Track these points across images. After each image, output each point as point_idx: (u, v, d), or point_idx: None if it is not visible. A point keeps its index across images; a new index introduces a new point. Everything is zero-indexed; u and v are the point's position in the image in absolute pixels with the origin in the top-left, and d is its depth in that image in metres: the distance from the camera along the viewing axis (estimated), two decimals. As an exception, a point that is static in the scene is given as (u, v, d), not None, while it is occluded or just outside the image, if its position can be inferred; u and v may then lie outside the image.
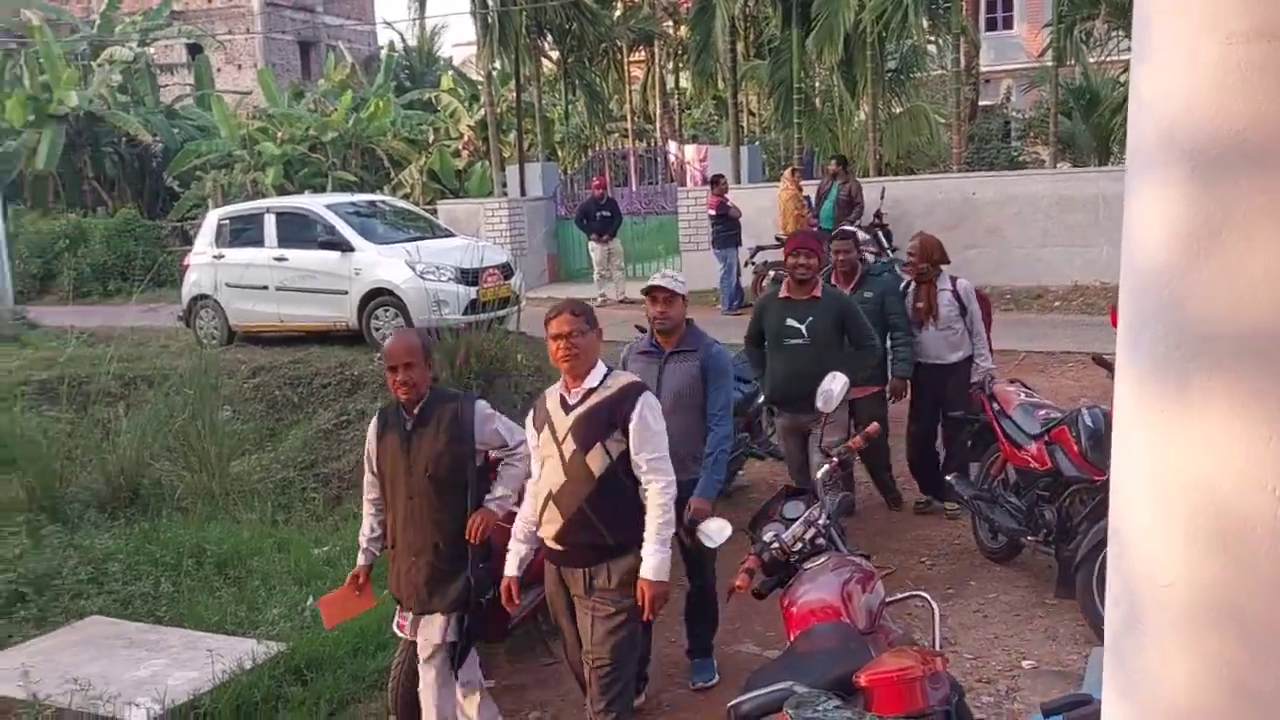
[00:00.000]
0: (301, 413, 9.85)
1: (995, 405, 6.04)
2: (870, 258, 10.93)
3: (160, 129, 27.65)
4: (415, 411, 4.11)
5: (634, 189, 20.28)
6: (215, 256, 12.63)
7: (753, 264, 14.45)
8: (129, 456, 8.30)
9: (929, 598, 3.67)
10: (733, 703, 2.94)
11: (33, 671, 4.93)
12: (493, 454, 4.30)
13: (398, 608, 4.36)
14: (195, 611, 5.92)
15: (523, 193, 19.28)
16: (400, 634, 4.37)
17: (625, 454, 3.81)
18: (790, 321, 6.03)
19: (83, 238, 21.34)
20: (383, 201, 14.52)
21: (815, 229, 14.24)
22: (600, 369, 3.93)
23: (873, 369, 6.43)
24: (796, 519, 3.92)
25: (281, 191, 23.99)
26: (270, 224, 12.34)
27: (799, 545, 3.82)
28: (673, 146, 21.30)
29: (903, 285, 7.01)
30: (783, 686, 2.80)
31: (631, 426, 3.79)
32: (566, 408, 3.87)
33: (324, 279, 11.72)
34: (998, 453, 6.07)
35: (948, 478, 6.35)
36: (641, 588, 3.76)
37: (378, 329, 11.46)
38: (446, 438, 4.06)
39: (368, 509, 4.38)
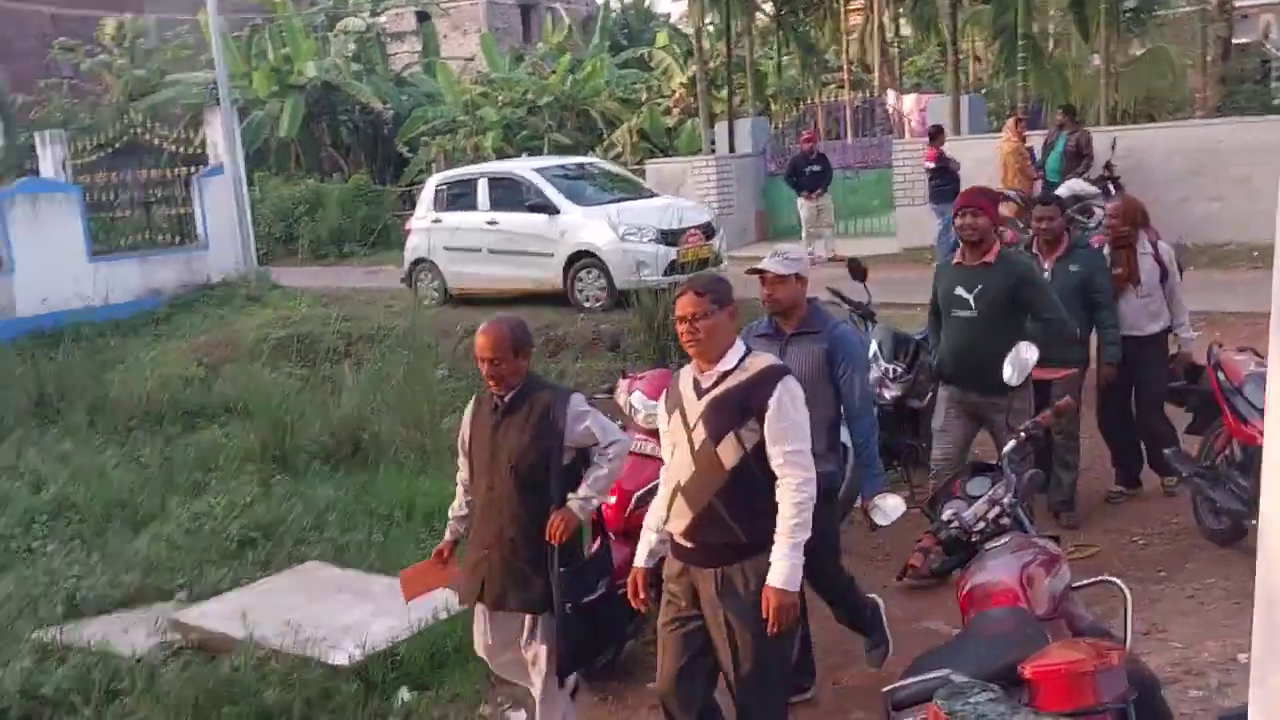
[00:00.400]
0: (509, 371, 10.16)
1: (1221, 375, 5.55)
2: (1098, 209, 10.00)
3: (390, 96, 29.01)
4: (506, 400, 3.93)
5: (848, 142, 19.77)
6: (434, 221, 13.21)
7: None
8: (351, 411, 8.83)
9: (1120, 584, 3.42)
10: (888, 688, 2.85)
11: (252, 612, 5.34)
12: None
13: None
14: (402, 561, 6.24)
15: (731, 149, 19.15)
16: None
17: (761, 445, 3.43)
18: (959, 290, 5.42)
19: (319, 202, 22.73)
20: (591, 164, 14.78)
21: (1040, 180, 13.52)
22: (737, 349, 3.55)
23: (1068, 349, 5.80)
24: (980, 497, 3.73)
25: (501, 155, 24.76)
26: (483, 188, 12.79)
27: (981, 525, 3.64)
28: (891, 97, 20.62)
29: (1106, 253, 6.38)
30: (940, 675, 2.69)
31: (768, 415, 3.42)
32: (699, 391, 3.53)
33: (531, 241, 12.07)
34: (1222, 427, 5.59)
35: (1165, 451, 5.90)
36: (767, 596, 3.36)
37: (581, 290, 11.71)
38: (533, 432, 3.84)
39: (460, 489, 4.23)
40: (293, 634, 5.05)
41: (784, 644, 3.50)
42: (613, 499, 4.56)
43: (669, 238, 11.63)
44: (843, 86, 23.77)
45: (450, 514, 4.27)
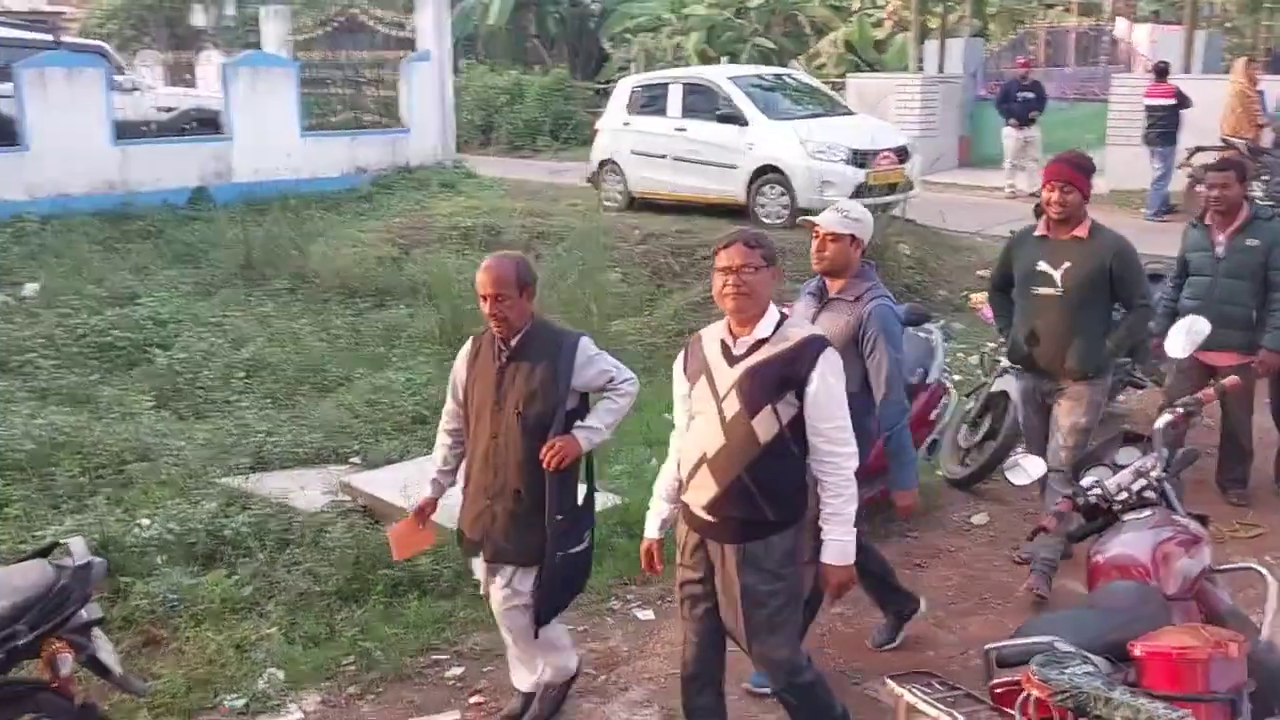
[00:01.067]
0: (680, 281, 10.28)
1: None
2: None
3: (599, -12, 29.01)
4: (512, 344, 3.68)
5: (1068, 71, 18.72)
6: (623, 123, 13.29)
7: (1188, 166, 12.96)
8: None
9: (1265, 572, 3.29)
10: (990, 646, 2.86)
11: (414, 484, 5.68)
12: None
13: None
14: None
15: (940, 69, 18.42)
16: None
17: (797, 419, 3.22)
18: (1042, 265, 4.80)
19: (520, 94, 23.14)
20: (788, 75, 14.52)
21: (1269, 129, 12.55)
22: (773, 315, 3.30)
23: (1243, 334, 5.52)
24: (1127, 467, 3.64)
25: (702, 58, 24.53)
26: (676, 94, 12.76)
27: (1123, 495, 3.55)
28: (1121, 25, 19.32)
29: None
30: (1046, 640, 2.68)
31: (810, 390, 3.20)
32: (730, 358, 3.28)
33: (718, 152, 12.02)
34: None
35: None
36: (825, 574, 3.31)
37: (763, 205, 11.63)
38: (542, 378, 3.62)
39: (443, 439, 3.95)
40: (448, 510, 5.38)
41: (797, 621, 3.44)
42: None
43: (859, 158, 11.39)
44: (1069, 10, 22.40)
45: (431, 469, 4.02)
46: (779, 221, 11.48)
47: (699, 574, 3.41)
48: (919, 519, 5.88)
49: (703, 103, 12.43)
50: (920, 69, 18.75)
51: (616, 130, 13.37)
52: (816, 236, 4.06)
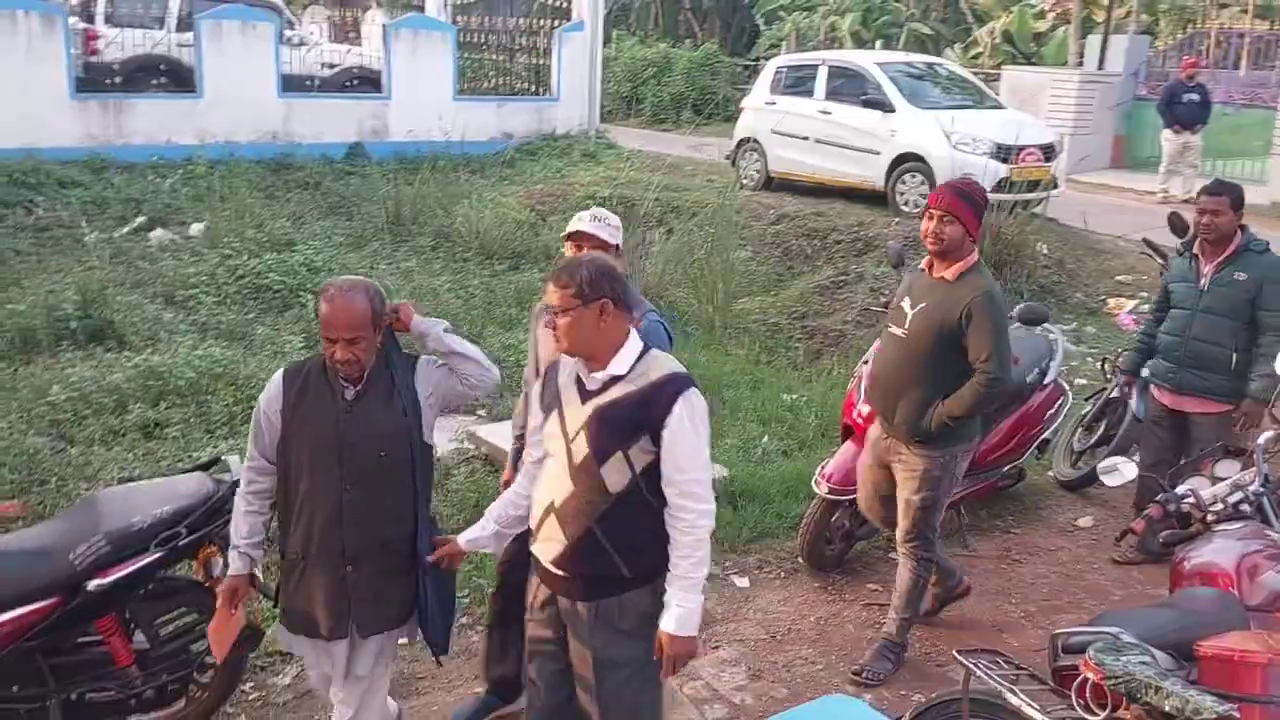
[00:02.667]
0: (810, 264, 10.37)
1: None
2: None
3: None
4: (359, 379, 3.12)
5: (1240, 75, 17.93)
6: (767, 103, 13.36)
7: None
8: (653, 278, 9.38)
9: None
10: (1058, 632, 2.97)
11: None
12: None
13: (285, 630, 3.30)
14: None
15: (1100, 65, 17.86)
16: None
17: (653, 466, 2.85)
18: (904, 301, 4.24)
19: (668, 67, 23.34)
20: (939, 64, 14.32)
21: None
22: (632, 348, 2.91)
23: (1220, 378, 4.97)
24: (1226, 479, 3.67)
25: (856, 40, 24.30)
26: (822, 76, 12.77)
27: (1217, 505, 3.58)
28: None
29: None
30: (1111, 631, 2.79)
31: (665, 434, 2.81)
32: (584, 393, 2.91)
33: (860, 137, 12.01)
34: None
35: None
36: (662, 641, 2.87)
37: (902, 194, 11.59)
38: (397, 407, 3.14)
39: (246, 505, 3.25)
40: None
41: (659, 689, 3.06)
42: None
43: (1004, 153, 11.22)
44: (1246, 10, 21.40)
45: (237, 541, 3.26)
46: (916, 211, 11.43)
47: (549, 632, 3.05)
48: (1022, 516, 5.94)
49: (849, 86, 12.40)
50: (1080, 64, 18.23)
51: (760, 109, 13.45)
52: (577, 248, 3.57)
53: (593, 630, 2.92)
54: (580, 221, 3.61)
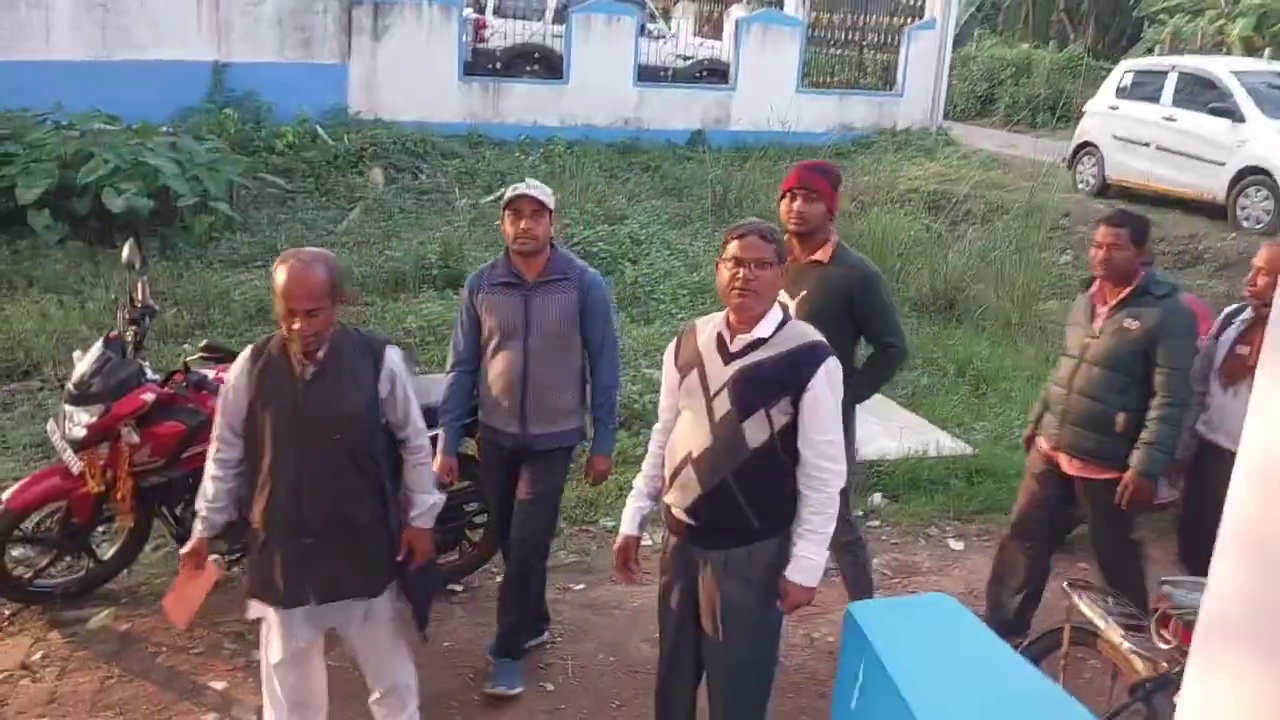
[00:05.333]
0: (1125, 272, 10.11)
1: None
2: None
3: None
4: (319, 358, 3.14)
5: None
6: (1110, 107, 12.98)
7: None
8: (957, 272, 9.60)
9: None
10: (1165, 578, 3.14)
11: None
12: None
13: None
14: (933, 405, 7.09)
15: None
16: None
17: (790, 426, 2.99)
18: (782, 295, 3.84)
19: (1027, 68, 22.69)
20: (1314, 74, 13.23)
21: None
22: (775, 314, 3.07)
23: (1105, 440, 4.03)
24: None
25: (1247, 46, 22.44)
26: (1170, 82, 12.26)
27: None
28: None
29: (1226, 313, 4.35)
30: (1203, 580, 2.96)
31: (807, 397, 2.96)
32: (726, 354, 3.05)
33: (1204, 146, 11.47)
34: None
35: None
36: (785, 589, 3.05)
37: (1244, 208, 10.98)
38: (356, 393, 3.17)
39: (214, 470, 3.28)
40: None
41: (778, 631, 3.23)
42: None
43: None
44: None
45: (200, 505, 3.32)
46: (1259, 226, 10.79)
47: (679, 579, 3.23)
48: None
49: (1198, 93, 11.84)
50: None
51: (1102, 113, 13.10)
52: (518, 215, 3.83)
53: (722, 577, 3.09)
54: (516, 189, 3.86)
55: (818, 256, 3.96)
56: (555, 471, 4.02)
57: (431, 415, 3.77)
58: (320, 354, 3.11)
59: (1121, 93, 12.98)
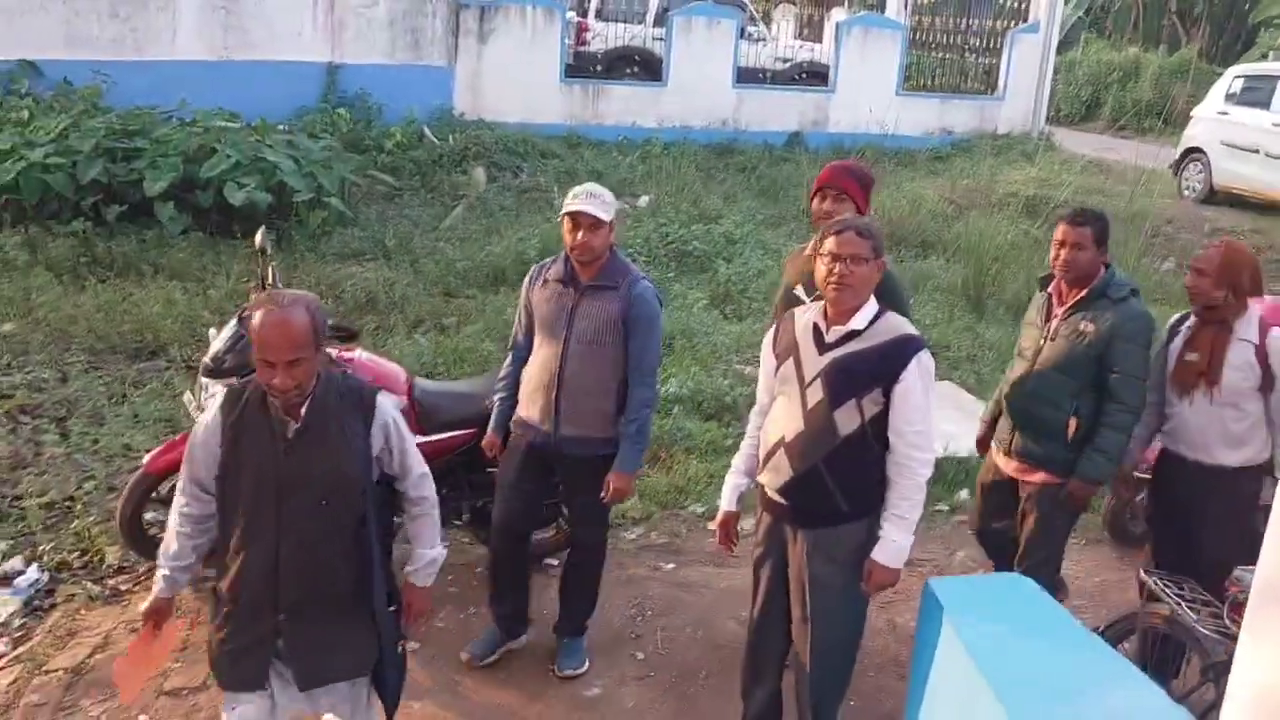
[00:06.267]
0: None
1: None
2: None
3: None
4: (303, 414, 2.80)
5: None
6: (1219, 113, 12.73)
7: None
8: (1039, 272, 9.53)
9: None
10: (1240, 568, 3.18)
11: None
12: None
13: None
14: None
15: None
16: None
17: (880, 416, 3.16)
18: (799, 290, 3.97)
19: (1135, 72, 22.23)
20: None
21: None
22: (870, 308, 3.20)
23: (1054, 446, 3.96)
24: None
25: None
26: (1283, 87, 11.99)
27: None
28: None
29: (1172, 322, 4.14)
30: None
31: (898, 388, 3.12)
32: (821, 345, 3.21)
33: (1316, 152, 11.19)
34: None
35: None
36: (871, 570, 3.21)
37: (1357, 215, 10.68)
38: (344, 450, 2.84)
39: (180, 525, 2.94)
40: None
41: (863, 609, 3.40)
42: None
43: None
44: None
45: (163, 562, 2.96)
46: (1373, 235, 10.51)
47: (772, 554, 3.42)
48: None
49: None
50: None
51: (1210, 119, 12.87)
52: (576, 227, 3.79)
53: (811, 557, 3.26)
54: (576, 201, 3.79)
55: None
56: (599, 488, 3.97)
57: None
58: (304, 409, 2.79)
59: (1230, 98, 12.73)
